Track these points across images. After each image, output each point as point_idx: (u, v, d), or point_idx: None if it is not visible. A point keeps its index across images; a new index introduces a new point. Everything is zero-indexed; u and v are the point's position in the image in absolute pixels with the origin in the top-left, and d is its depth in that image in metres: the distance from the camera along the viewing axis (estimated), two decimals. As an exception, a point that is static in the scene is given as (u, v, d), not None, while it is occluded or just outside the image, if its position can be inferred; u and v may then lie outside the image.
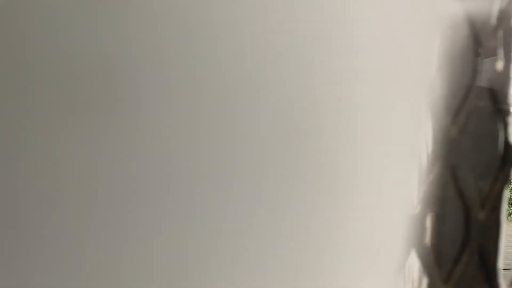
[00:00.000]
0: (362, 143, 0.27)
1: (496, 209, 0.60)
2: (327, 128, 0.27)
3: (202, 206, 0.26)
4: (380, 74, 0.27)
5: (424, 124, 0.29)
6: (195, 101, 0.26)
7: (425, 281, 0.60)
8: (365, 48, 0.27)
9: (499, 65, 0.59)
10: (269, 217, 0.27)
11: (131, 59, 0.25)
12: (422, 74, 0.28)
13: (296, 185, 0.27)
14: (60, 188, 0.25)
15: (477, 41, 0.59)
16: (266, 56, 0.26)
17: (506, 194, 0.61)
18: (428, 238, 0.60)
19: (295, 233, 0.27)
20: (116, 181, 0.26)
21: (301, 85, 0.26)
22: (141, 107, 0.25)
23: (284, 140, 0.27)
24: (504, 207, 0.61)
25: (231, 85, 0.26)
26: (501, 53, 0.59)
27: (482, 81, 0.60)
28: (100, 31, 0.24)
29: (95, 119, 0.25)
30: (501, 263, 0.61)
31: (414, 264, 0.61)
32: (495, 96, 0.60)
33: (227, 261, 0.26)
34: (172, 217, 0.26)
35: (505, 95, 0.60)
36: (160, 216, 0.26)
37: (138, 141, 0.26)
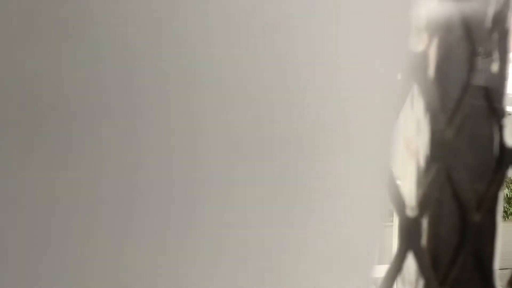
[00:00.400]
0: (331, 152, 0.27)
1: (492, 211, 0.60)
2: (295, 138, 0.27)
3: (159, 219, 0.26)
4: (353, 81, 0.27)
5: (394, 134, 0.28)
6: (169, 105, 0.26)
7: (421, 283, 0.60)
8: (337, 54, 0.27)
9: (494, 66, 0.59)
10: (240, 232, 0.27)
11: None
12: (394, 78, 0.28)
13: (265, 194, 0.27)
14: (61, 191, 0.25)
15: (473, 43, 0.59)
16: (235, 71, 0.26)
17: (502, 196, 0.61)
18: (424, 240, 0.60)
19: (266, 243, 0.27)
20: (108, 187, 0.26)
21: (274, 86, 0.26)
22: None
23: (257, 149, 0.27)
24: (500, 209, 0.61)
25: (197, 101, 0.26)
26: (496, 55, 0.59)
27: (478, 82, 0.60)
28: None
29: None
30: (497, 265, 0.61)
31: (411, 266, 0.61)
32: (491, 97, 0.60)
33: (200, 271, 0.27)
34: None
35: (501, 96, 0.60)
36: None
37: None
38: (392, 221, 0.62)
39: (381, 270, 0.61)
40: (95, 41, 0.24)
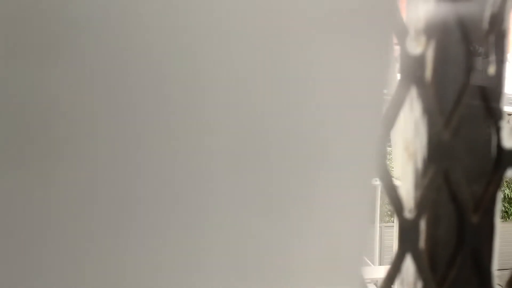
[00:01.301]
0: (321, 159, 0.27)
1: (490, 212, 0.60)
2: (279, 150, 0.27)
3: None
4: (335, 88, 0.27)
5: (380, 139, 0.28)
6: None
7: (419, 285, 0.60)
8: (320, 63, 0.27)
9: (492, 68, 0.59)
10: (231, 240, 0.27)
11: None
12: (379, 86, 0.28)
13: (257, 200, 0.27)
14: (61, 189, 0.25)
15: (470, 45, 0.59)
16: (211, 88, 0.26)
17: (499, 197, 0.61)
18: (422, 241, 0.60)
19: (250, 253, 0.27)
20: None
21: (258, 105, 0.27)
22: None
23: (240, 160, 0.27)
24: (498, 210, 0.61)
25: (179, 119, 0.26)
26: (493, 56, 0.59)
27: (475, 84, 0.60)
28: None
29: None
30: (495, 266, 0.61)
31: (409, 267, 0.61)
32: (488, 99, 0.60)
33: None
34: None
35: (498, 97, 0.61)
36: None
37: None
38: (393, 222, 0.62)
39: (382, 271, 0.61)
40: (91, 41, 0.25)
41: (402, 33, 0.58)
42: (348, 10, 0.27)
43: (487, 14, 0.59)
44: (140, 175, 0.26)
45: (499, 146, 0.60)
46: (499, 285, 0.63)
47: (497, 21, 0.59)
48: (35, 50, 0.24)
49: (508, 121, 0.62)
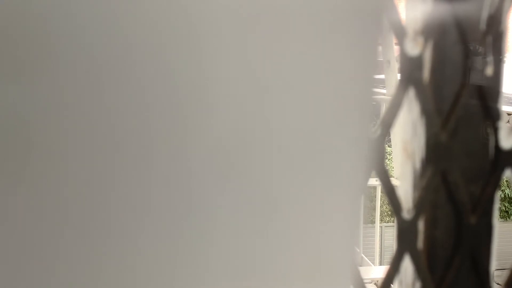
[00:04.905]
0: (309, 164, 0.27)
1: (488, 213, 0.60)
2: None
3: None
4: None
5: (369, 144, 0.29)
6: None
7: (418, 285, 0.60)
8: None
9: (489, 69, 0.59)
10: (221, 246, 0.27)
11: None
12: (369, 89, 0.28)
13: (247, 207, 0.27)
14: (59, 188, 0.25)
15: (467, 46, 0.59)
16: (203, 90, 0.26)
17: (497, 198, 0.61)
18: (420, 242, 0.60)
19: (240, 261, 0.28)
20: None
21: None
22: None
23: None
24: (496, 211, 0.61)
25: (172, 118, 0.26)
26: (490, 57, 0.59)
27: (473, 84, 0.60)
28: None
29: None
30: (493, 267, 0.61)
31: (408, 268, 0.61)
32: (486, 100, 0.60)
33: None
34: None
35: (496, 98, 0.61)
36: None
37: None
38: (394, 222, 0.62)
39: (382, 271, 0.61)
40: (94, 41, 0.25)
41: (400, 34, 0.58)
42: (337, 10, 0.27)
43: (484, 15, 0.59)
44: (143, 177, 0.26)
45: (497, 147, 0.60)
46: (498, 284, 0.63)
47: (494, 22, 0.59)
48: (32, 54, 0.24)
49: (508, 121, 0.62)
